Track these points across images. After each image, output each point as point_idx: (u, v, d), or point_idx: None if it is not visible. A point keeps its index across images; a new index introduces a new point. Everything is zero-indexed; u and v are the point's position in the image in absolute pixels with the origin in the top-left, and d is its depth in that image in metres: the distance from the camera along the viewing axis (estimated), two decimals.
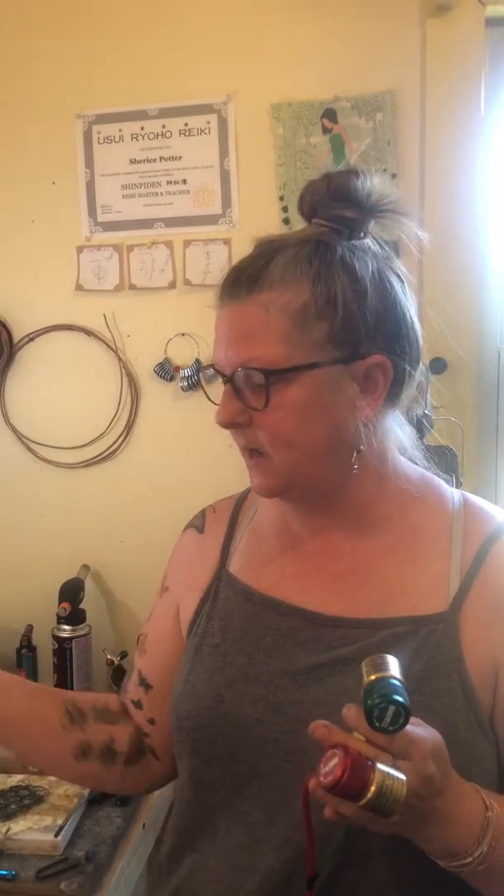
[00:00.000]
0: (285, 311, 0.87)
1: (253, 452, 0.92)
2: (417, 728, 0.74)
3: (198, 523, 1.11)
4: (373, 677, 0.73)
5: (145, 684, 1.08)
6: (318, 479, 0.93)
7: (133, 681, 1.11)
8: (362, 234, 0.92)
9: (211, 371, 1.09)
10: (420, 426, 1.01)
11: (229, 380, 0.90)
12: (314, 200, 0.93)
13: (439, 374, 1.56)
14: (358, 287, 0.88)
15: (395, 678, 0.73)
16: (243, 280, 0.89)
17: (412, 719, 0.73)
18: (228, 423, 0.91)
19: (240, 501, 1.10)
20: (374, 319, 0.88)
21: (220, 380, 0.93)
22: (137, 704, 1.09)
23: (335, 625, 0.92)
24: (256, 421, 0.89)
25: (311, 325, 0.87)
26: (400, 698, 0.71)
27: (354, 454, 0.91)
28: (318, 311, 0.87)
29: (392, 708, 0.71)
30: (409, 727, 0.72)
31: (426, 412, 1.01)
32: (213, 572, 1.03)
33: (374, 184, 0.91)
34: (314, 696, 0.88)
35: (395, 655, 0.76)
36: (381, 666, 0.74)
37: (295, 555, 0.99)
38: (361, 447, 0.90)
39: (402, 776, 0.71)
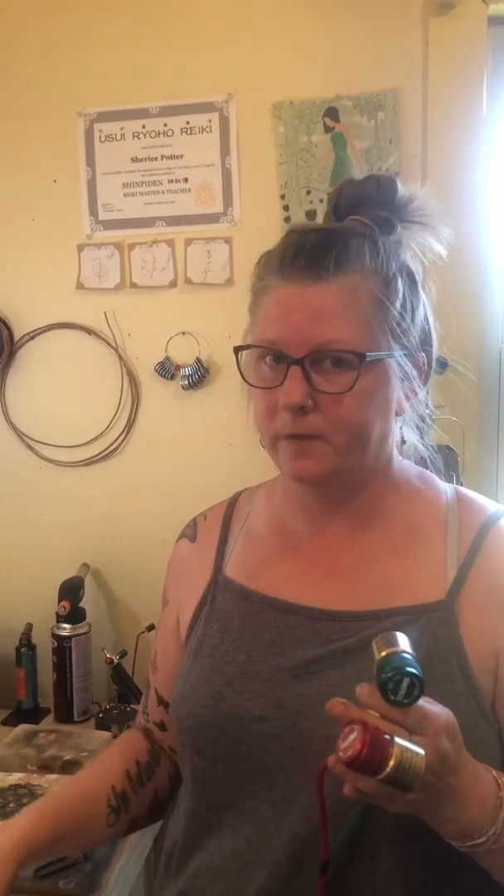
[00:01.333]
0: (369, 297, 0.88)
1: (302, 437, 0.90)
2: (431, 705, 0.75)
3: (189, 533, 1.11)
4: (384, 653, 0.74)
5: (164, 703, 1.07)
6: (359, 468, 0.93)
7: (151, 701, 1.11)
8: (390, 234, 0.95)
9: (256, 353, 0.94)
10: (422, 427, 1.02)
11: (297, 362, 0.87)
12: (360, 198, 0.95)
13: (440, 373, 1.55)
14: (415, 287, 0.94)
15: (407, 652, 0.74)
16: (330, 258, 0.87)
17: (427, 698, 0.74)
18: (298, 406, 0.87)
19: (230, 506, 1.10)
20: (421, 319, 0.94)
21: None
22: (161, 727, 1.08)
23: (334, 619, 0.93)
24: (323, 405, 0.88)
25: (386, 314, 0.89)
26: (413, 670, 0.72)
27: (393, 447, 0.95)
28: (391, 302, 0.89)
29: (406, 680, 0.71)
30: (421, 703, 0.73)
31: (427, 411, 1.02)
32: (209, 577, 1.03)
33: (415, 193, 0.96)
34: (315, 689, 0.89)
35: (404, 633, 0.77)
36: (392, 642, 0.75)
37: (293, 554, 0.99)
38: (405, 439, 0.96)
39: (420, 750, 0.71)
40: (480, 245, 1.72)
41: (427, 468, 1.03)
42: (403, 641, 0.75)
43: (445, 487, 1.01)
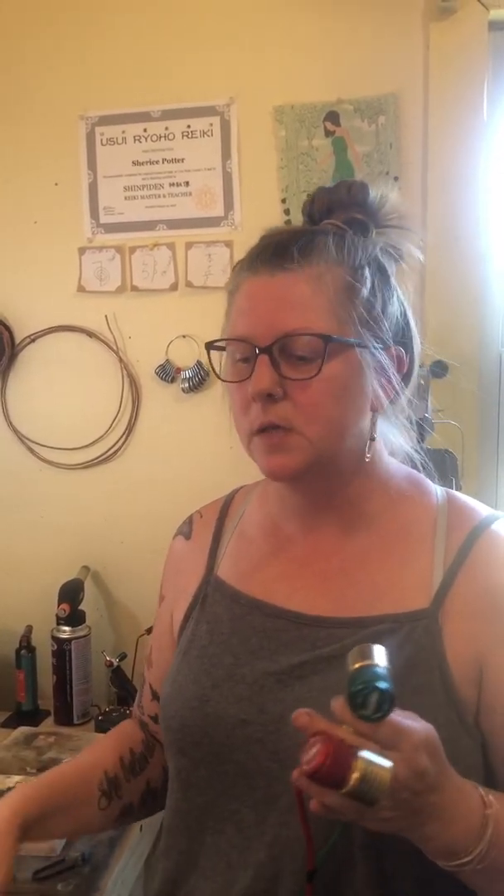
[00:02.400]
0: (334, 285, 0.89)
1: (274, 430, 0.90)
2: (409, 720, 0.74)
3: (185, 530, 1.12)
4: (357, 665, 0.73)
5: (158, 697, 1.07)
6: (336, 462, 0.93)
7: (146, 695, 1.12)
8: (364, 236, 0.96)
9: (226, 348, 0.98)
10: (421, 429, 1.02)
11: (265, 350, 0.88)
12: (331, 202, 0.96)
13: (440, 377, 1.56)
14: (385, 279, 0.93)
15: (380, 666, 0.72)
16: (293, 250, 0.89)
17: (406, 713, 0.73)
18: (266, 393, 0.88)
19: (226, 505, 1.10)
20: (395, 313, 0.94)
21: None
22: (156, 719, 1.08)
23: (319, 625, 0.92)
24: (293, 393, 0.88)
25: (353, 305, 0.89)
26: (383, 684, 0.70)
27: (368, 443, 0.93)
28: (358, 291, 0.90)
29: (375, 694, 0.70)
30: (399, 718, 0.72)
31: (427, 415, 1.01)
32: (202, 577, 1.03)
33: (386, 195, 0.97)
34: (297, 695, 0.88)
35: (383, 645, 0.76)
36: (367, 654, 0.74)
37: (283, 556, 0.99)
38: (375, 436, 0.94)
39: (386, 763, 0.70)
40: (480, 249, 1.73)
41: (419, 472, 1.02)
42: (379, 654, 0.74)
43: (437, 490, 1.00)
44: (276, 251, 0.90)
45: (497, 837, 0.78)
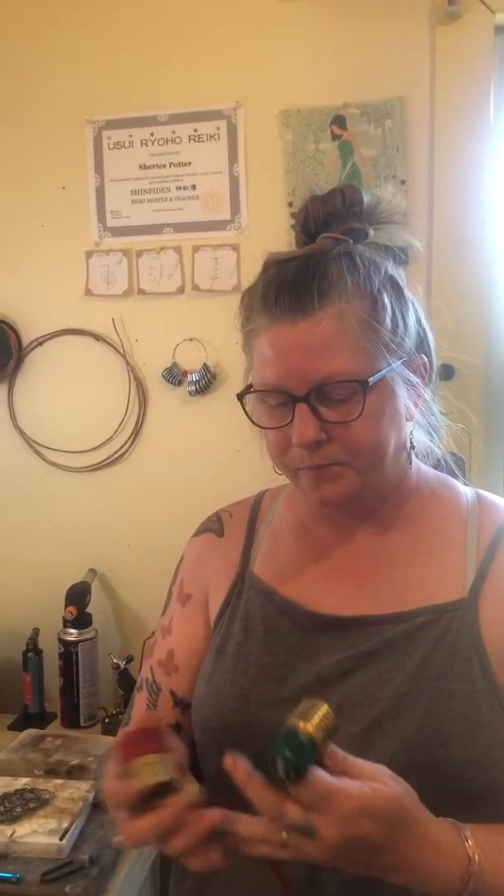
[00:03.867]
0: (357, 320, 0.88)
1: (324, 466, 0.90)
2: (347, 784, 0.73)
3: (215, 527, 1.10)
4: (289, 724, 0.73)
5: (182, 704, 1.03)
6: (381, 481, 0.95)
7: (164, 703, 1.05)
8: (363, 240, 0.96)
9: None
10: (432, 430, 1.03)
11: (303, 399, 0.88)
12: (327, 214, 0.96)
13: (447, 380, 1.56)
14: (401, 294, 0.94)
15: (306, 733, 0.72)
16: (312, 292, 0.88)
17: (377, 772, 0.74)
18: (313, 442, 0.88)
19: (256, 504, 1.10)
20: (413, 325, 0.95)
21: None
22: (176, 728, 1.03)
23: (358, 624, 0.94)
24: (337, 434, 0.89)
25: (377, 332, 0.89)
26: (289, 754, 0.70)
27: (411, 452, 0.96)
28: (379, 319, 0.90)
29: (280, 762, 0.71)
30: (331, 782, 0.72)
31: (434, 418, 1.02)
32: (236, 574, 1.03)
33: (380, 195, 0.97)
34: (341, 693, 0.89)
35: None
36: (307, 714, 0.74)
37: (316, 556, 1.00)
38: (414, 443, 0.96)
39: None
40: (487, 252, 1.73)
41: (441, 469, 1.05)
42: (320, 715, 0.73)
43: (466, 491, 1.02)
44: (293, 295, 0.88)
45: (483, 887, 0.78)
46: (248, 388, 0.94)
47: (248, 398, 0.94)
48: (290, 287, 0.89)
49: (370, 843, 0.73)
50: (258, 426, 0.95)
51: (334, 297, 0.88)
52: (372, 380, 0.87)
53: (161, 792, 0.76)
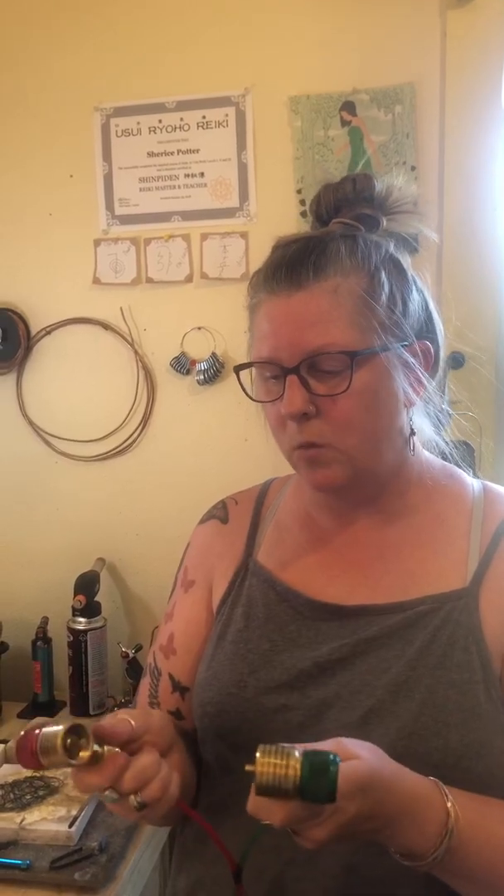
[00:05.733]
0: (352, 295, 0.89)
1: (311, 446, 0.91)
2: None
3: (220, 514, 1.11)
4: (258, 758, 0.75)
5: (181, 688, 1.04)
6: (377, 467, 0.94)
7: (164, 688, 1.06)
8: (376, 229, 0.96)
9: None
10: (438, 421, 1.02)
11: (293, 370, 0.89)
12: (338, 200, 0.97)
13: (457, 369, 1.55)
14: (403, 276, 0.94)
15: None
16: (308, 266, 0.89)
17: (350, 744, 0.75)
18: (299, 413, 0.89)
19: (262, 493, 1.11)
20: (416, 308, 0.94)
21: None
22: (177, 715, 1.04)
23: (359, 613, 0.94)
24: (325, 409, 0.89)
25: (372, 309, 0.89)
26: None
27: (411, 438, 0.95)
28: (376, 296, 0.90)
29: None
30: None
31: (444, 407, 1.02)
32: (240, 561, 1.04)
33: (392, 184, 0.97)
34: (340, 679, 0.90)
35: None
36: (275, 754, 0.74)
37: (319, 545, 1.00)
38: (414, 431, 0.95)
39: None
40: (498, 238, 1.71)
41: (447, 460, 1.04)
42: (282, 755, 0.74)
43: (472, 482, 1.02)
44: (290, 269, 0.90)
45: (461, 846, 0.79)
46: (245, 363, 0.96)
47: (252, 375, 0.96)
48: (288, 263, 0.91)
49: (357, 818, 0.74)
50: (254, 400, 0.96)
51: (330, 272, 0.89)
52: (361, 353, 0.87)
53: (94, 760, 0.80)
